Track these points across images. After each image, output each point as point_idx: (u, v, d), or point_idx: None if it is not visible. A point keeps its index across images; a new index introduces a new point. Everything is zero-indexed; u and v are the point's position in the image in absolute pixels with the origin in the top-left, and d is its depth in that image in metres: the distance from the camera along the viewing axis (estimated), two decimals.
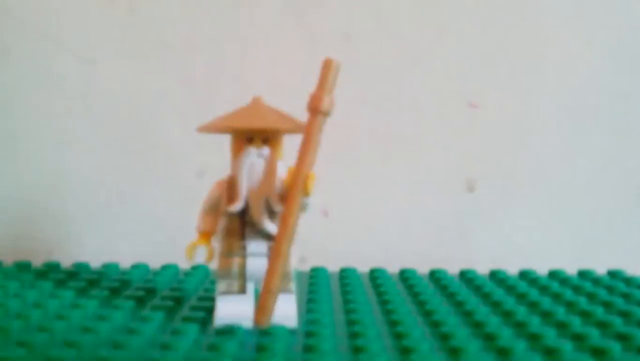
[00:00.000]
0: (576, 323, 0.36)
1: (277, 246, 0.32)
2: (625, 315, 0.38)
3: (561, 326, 0.35)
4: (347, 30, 0.55)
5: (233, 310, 0.34)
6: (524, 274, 0.50)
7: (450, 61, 0.55)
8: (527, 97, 0.56)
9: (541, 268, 0.52)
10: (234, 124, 0.34)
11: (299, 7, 0.54)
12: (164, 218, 0.54)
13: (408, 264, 0.52)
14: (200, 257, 0.36)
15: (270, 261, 0.32)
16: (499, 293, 0.42)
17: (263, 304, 0.32)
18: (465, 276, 0.49)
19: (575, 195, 0.56)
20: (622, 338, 0.33)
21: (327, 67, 0.32)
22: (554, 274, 0.50)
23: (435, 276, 0.49)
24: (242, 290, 0.34)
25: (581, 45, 0.55)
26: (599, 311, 0.38)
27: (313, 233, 0.57)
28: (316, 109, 0.32)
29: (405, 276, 0.48)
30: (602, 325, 0.36)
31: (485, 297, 0.42)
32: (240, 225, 0.34)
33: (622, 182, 0.56)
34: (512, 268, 0.52)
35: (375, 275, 0.48)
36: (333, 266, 0.52)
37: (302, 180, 0.32)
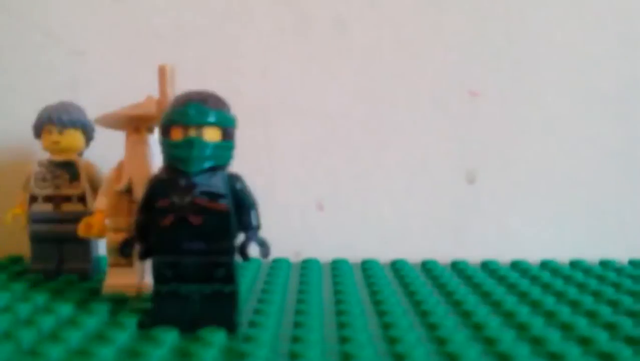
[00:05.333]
0: (565, 312, 0.36)
1: None
2: (614, 304, 0.38)
3: (549, 316, 0.35)
4: (341, 17, 0.54)
5: (120, 280, 0.38)
6: (515, 265, 0.50)
7: (450, 47, 0.54)
8: (529, 85, 0.55)
9: (540, 261, 0.52)
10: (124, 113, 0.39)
11: None
12: None
13: (405, 257, 0.52)
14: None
15: None
16: (489, 284, 0.43)
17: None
18: (457, 266, 0.49)
19: (578, 186, 0.55)
20: (610, 327, 0.33)
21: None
22: (545, 265, 0.50)
23: (426, 266, 0.49)
24: (130, 263, 0.38)
25: (586, 31, 0.54)
26: (588, 301, 0.38)
27: (308, 227, 0.57)
28: None
29: (396, 267, 0.48)
30: (590, 314, 0.36)
31: (476, 287, 0.42)
32: (128, 204, 0.38)
33: (623, 173, 0.55)
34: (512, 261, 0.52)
35: (367, 266, 0.48)
36: (328, 260, 0.51)
37: None
